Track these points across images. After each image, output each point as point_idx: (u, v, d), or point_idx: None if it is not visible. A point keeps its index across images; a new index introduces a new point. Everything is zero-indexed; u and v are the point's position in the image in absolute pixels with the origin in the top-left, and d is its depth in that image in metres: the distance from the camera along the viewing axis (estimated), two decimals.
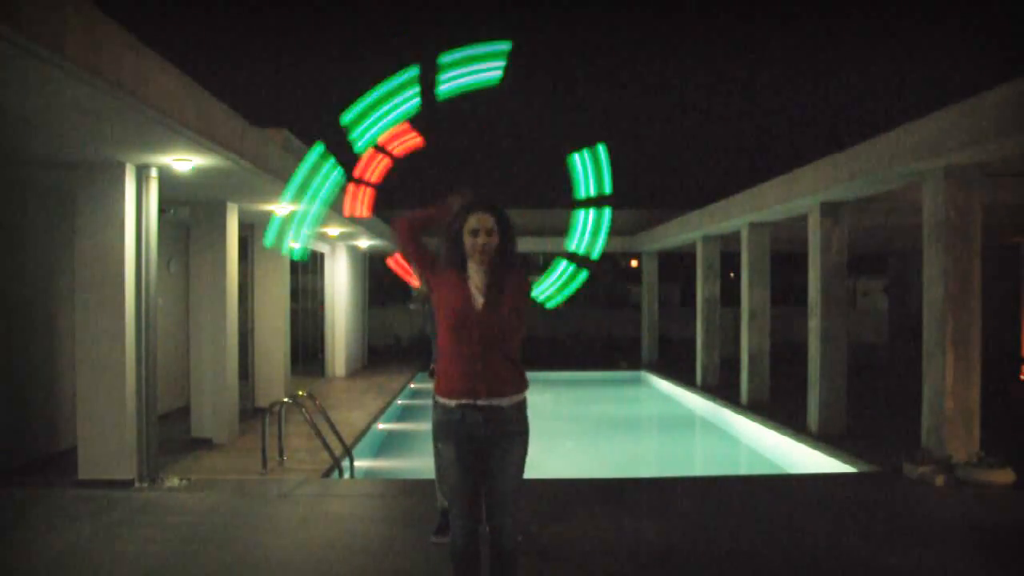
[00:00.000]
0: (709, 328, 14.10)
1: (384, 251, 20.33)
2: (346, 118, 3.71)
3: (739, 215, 11.41)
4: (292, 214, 4.15)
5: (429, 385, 3.91)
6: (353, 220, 12.17)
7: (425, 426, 13.19)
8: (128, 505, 5.78)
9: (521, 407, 3.28)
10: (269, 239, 4.18)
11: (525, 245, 17.27)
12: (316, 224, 4.07)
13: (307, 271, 14.58)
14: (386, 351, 21.14)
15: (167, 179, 6.80)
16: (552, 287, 3.56)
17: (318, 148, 3.86)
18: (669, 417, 14.02)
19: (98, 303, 6.33)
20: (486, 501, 3.24)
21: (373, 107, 3.71)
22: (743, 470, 9.73)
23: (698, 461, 11.15)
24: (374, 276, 22.42)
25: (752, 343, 11.51)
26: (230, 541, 5.00)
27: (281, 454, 7.52)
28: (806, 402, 9.29)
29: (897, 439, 8.09)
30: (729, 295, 14.91)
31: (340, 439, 7.80)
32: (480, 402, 3.17)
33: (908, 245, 16.31)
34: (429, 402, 3.90)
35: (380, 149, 3.96)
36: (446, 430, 3.25)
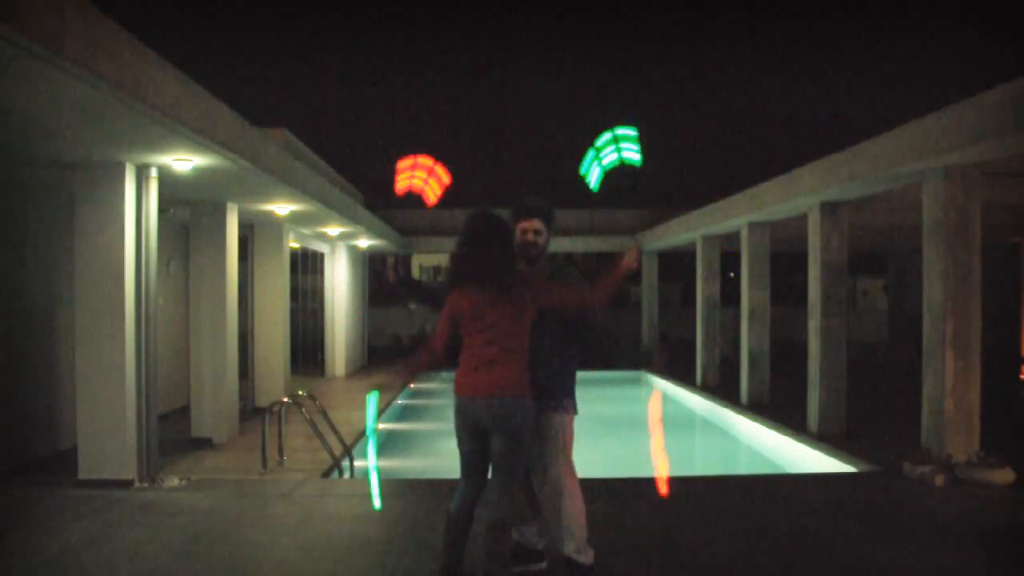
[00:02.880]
0: (709, 328, 14.11)
1: (384, 251, 20.35)
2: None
3: (739, 215, 11.40)
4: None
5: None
6: (354, 220, 12.18)
7: (426, 425, 13.09)
8: (128, 505, 5.78)
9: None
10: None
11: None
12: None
13: (307, 271, 14.57)
14: (386, 351, 21.14)
15: (167, 179, 6.80)
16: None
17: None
18: (669, 417, 14.02)
19: (98, 303, 6.33)
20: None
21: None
22: (743, 470, 9.72)
23: (698, 461, 11.15)
24: (374, 276, 22.42)
25: (752, 343, 11.51)
26: (230, 541, 5.00)
27: (281, 454, 7.52)
28: (806, 402, 9.29)
29: (897, 439, 8.09)
30: (729, 295, 14.91)
31: (340, 439, 7.80)
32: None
33: (908, 245, 16.32)
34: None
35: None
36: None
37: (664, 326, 20.12)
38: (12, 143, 5.70)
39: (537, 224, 3.89)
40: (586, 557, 3.87)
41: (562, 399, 3.97)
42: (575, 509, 3.87)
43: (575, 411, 4.05)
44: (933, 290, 6.99)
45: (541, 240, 3.91)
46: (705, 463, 10.92)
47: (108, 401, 6.30)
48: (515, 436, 3.61)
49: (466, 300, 3.68)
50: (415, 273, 36.53)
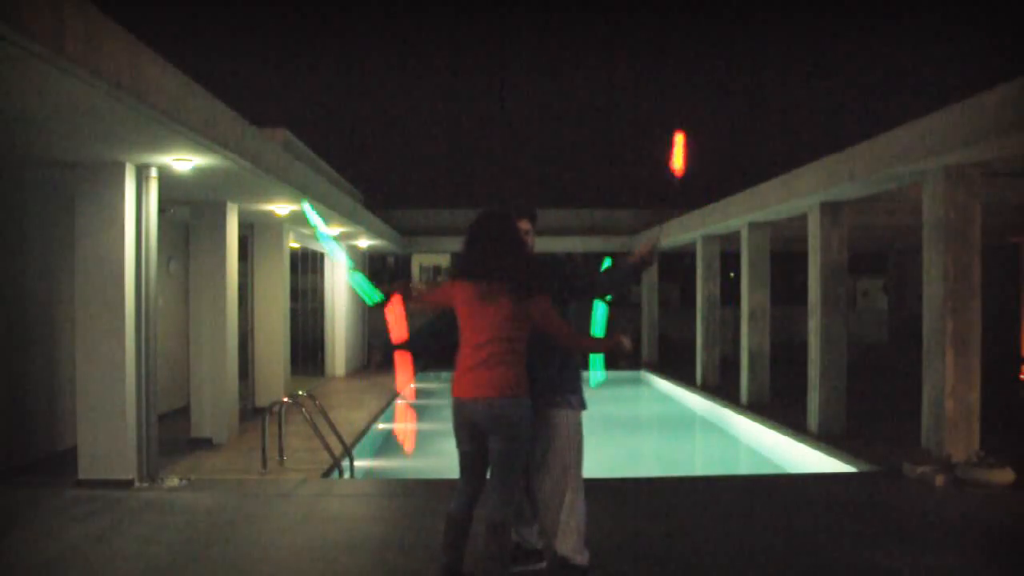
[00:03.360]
0: (709, 328, 14.11)
1: (383, 251, 20.34)
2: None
3: (739, 215, 11.41)
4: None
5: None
6: (354, 220, 12.19)
7: (424, 425, 13.05)
8: (128, 505, 5.78)
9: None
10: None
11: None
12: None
13: (307, 271, 14.58)
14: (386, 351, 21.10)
15: (167, 179, 6.80)
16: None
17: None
18: (669, 417, 14.02)
19: (98, 303, 6.33)
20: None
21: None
22: (743, 470, 9.73)
23: (698, 461, 11.15)
24: (374, 276, 22.41)
25: (752, 343, 11.51)
26: (230, 541, 5.00)
27: (281, 454, 7.52)
28: (806, 402, 9.29)
29: (897, 439, 8.09)
30: (729, 295, 14.91)
31: (340, 439, 7.80)
32: None
33: (908, 245, 16.31)
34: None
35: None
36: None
37: (664, 326, 20.12)
38: (12, 143, 5.70)
39: (527, 224, 4.01)
40: (581, 558, 3.85)
41: (566, 395, 3.97)
42: (576, 509, 3.85)
43: (582, 407, 4.05)
44: (933, 290, 6.98)
45: (530, 240, 4.05)
46: (705, 463, 10.92)
47: (108, 401, 6.30)
48: (514, 436, 3.59)
49: (464, 295, 3.67)
50: (415, 273, 36.54)
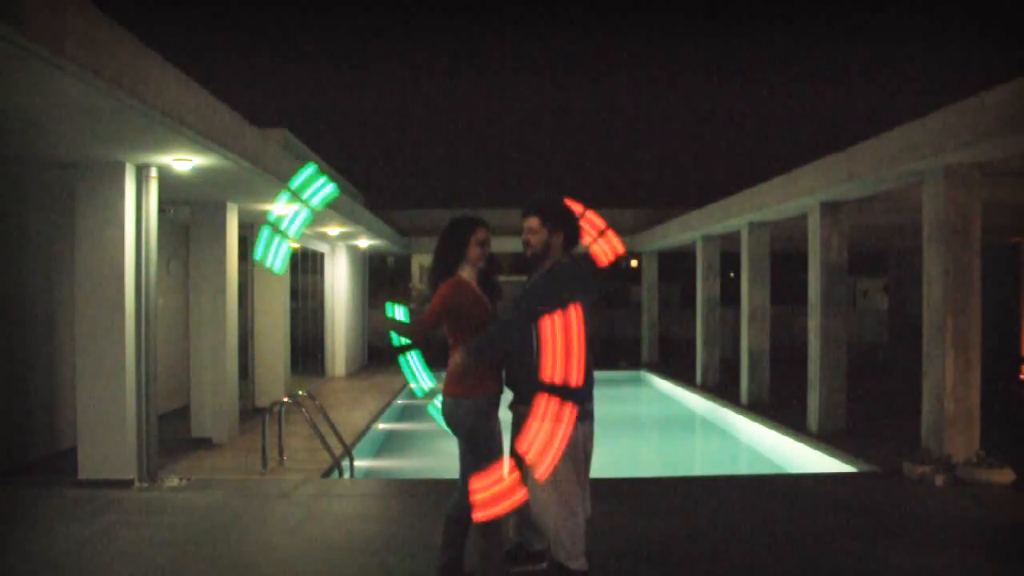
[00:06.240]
0: (709, 328, 14.11)
1: (383, 251, 20.34)
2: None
3: (739, 215, 11.41)
4: (279, 220, 4.24)
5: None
6: (355, 220, 12.19)
7: (424, 425, 13.08)
8: (128, 505, 5.78)
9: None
10: (258, 252, 4.26)
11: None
12: (303, 226, 4.29)
13: (307, 271, 14.57)
14: (386, 351, 21.10)
15: (167, 179, 6.80)
16: None
17: (310, 167, 4.19)
18: (669, 417, 14.02)
19: (98, 303, 6.33)
20: None
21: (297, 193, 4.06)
22: (743, 470, 9.73)
23: (698, 461, 11.15)
24: (374, 276, 22.42)
25: (752, 343, 11.51)
26: (230, 541, 5.00)
27: (281, 454, 7.52)
28: (806, 402, 9.29)
29: (897, 439, 8.09)
30: (729, 295, 14.92)
31: (340, 439, 7.80)
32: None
33: (908, 245, 16.32)
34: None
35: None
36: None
37: (664, 326, 20.10)
38: (12, 143, 5.70)
39: (532, 223, 3.75)
40: (577, 564, 3.68)
41: None
42: (560, 521, 3.66)
43: (580, 417, 3.64)
44: (933, 290, 6.99)
45: (534, 240, 3.76)
46: (705, 463, 10.92)
47: (108, 401, 6.30)
48: (462, 436, 3.71)
49: None
50: (415, 273, 36.49)
